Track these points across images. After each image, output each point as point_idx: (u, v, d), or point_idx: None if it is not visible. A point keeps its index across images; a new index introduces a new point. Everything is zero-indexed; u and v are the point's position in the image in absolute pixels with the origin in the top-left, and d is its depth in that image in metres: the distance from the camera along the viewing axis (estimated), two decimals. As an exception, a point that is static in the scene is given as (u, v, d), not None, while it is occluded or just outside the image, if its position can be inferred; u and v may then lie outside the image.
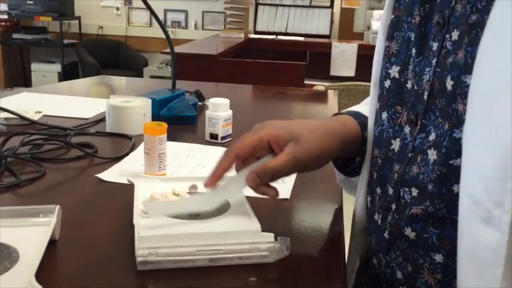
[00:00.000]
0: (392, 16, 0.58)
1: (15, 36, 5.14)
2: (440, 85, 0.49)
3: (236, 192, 0.58)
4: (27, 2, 4.92)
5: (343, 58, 3.83)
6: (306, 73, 2.93)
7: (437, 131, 0.49)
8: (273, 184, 0.56)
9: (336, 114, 0.69)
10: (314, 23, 4.67)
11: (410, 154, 0.53)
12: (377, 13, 4.01)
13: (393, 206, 0.55)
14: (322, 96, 1.70)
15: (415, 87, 0.53)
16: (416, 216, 0.51)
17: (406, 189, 0.53)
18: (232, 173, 0.57)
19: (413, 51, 0.54)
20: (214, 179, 0.56)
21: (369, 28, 4.35)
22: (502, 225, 0.40)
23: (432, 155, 0.49)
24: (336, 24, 5.01)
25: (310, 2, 4.68)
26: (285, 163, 0.53)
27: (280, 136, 0.55)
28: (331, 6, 4.66)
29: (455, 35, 0.48)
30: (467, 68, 0.45)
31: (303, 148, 0.55)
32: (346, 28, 5.07)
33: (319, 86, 3.35)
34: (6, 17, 5.00)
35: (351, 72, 3.77)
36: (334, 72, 3.80)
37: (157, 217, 0.54)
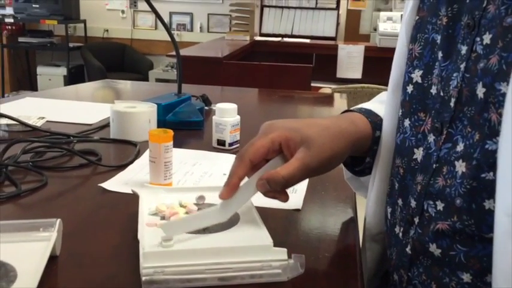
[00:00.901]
0: (417, 17, 0.55)
1: (21, 39, 5.15)
2: (470, 92, 0.45)
3: (248, 199, 0.55)
4: (33, 5, 4.92)
5: (350, 60, 3.80)
6: (312, 75, 2.90)
7: (466, 141, 0.45)
8: None
9: (346, 111, 0.65)
10: (320, 25, 4.64)
11: (434, 165, 0.49)
12: (384, 14, 3.97)
13: (416, 220, 0.51)
14: (329, 100, 1.66)
15: (441, 94, 0.50)
16: (442, 232, 0.47)
17: (431, 202, 0.49)
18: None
19: (440, 54, 0.50)
20: (230, 190, 0.53)
21: (375, 30, 4.32)
22: None
23: (461, 167, 0.46)
24: (342, 26, 4.98)
25: (316, 3, 4.66)
26: (296, 171, 0.52)
27: (292, 138, 0.53)
28: (337, 8, 4.63)
29: (487, 38, 0.44)
30: (501, 74, 0.41)
31: (313, 154, 0.52)
32: (353, 30, 5.04)
33: (326, 88, 3.32)
34: (12, 20, 5.01)
35: (358, 75, 3.74)
36: (340, 74, 3.77)
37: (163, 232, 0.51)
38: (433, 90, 0.52)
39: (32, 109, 1.16)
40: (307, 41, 4.14)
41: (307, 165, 0.52)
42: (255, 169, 0.55)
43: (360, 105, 0.66)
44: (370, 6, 4.93)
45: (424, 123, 0.53)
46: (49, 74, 5.13)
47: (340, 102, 1.55)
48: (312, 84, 3.01)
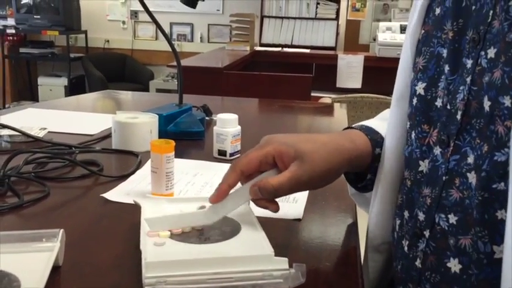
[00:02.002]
0: (422, 31, 0.55)
1: (22, 50, 5.17)
2: (478, 104, 0.45)
3: (238, 206, 0.58)
4: (35, 16, 4.96)
5: (349, 70, 3.81)
6: (312, 85, 2.91)
7: (475, 152, 0.45)
8: (286, 203, 0.55)
9: (347, 127, 0.67)
10: (320, 35, 4.67)
11: (444, 177, 0.49)
12: (383, 25, 4.00)
13: (426, 233, 0.51)
14: (329, 110, 1.67)
15: (448, 106, 0.50)
16: (465, 247, 0.46)
17: (443, 215, 0.49)
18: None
19: (446, 68, 0.51)
20: (220, 195, 0.56)
21: (374, 40, 4.34)
22: None
23: (473, 178, 0.45)
24: (342, 36, 5.01)
25: (316, 14, 4.69)
26: (285, 182, 0.54)
27: (285, 153, 0.55)
28: (337, 18, 4.66)
29: (491, 52, 0.44)
30: (504, 88, 0.42)
31: (305, 168, 0.54)
32: (352, 40, 5.07)
33: (326, 98, 3.33)
34: (13, 31, 5.04)
35: (358, 84, 3.76)
36: (340, 84, 3.79)
37: (165, 243, 0.52)
38: (438, 103, 0.52)
39: (33, 120, 1.16)
40: (307, 51, 4.16)
41: (297, 178, 0.54)
42: (248, 179, 0.57)
43: (362, 123, 0.67)
44: (369, 16, 4.96)
45: (428, 135, 0.53)
46: (50, 84, 5.16)
47: (340, 112, 1.55)
48: (312, 94, 3.02)
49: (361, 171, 0.64)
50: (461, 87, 0.48)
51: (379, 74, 3.36)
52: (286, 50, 4.18)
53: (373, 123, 0.66)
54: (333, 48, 4.54)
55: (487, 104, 0.44)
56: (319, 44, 4.59)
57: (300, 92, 2.82)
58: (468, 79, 0.47)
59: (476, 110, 0.46)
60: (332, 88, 3.73)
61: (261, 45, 4.52)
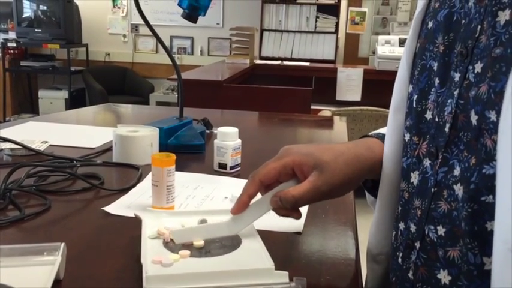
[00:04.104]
0: (418, 44, 0.56)
1: (23, 63, 5.20)
2: (465, 118, 0.46)
3: (260, 216, 0.59)
4: (36, 30, 4.99)
5: (349, 83, 3.83)
6: (312, 98, 2.92)
7: (462, 165, 0.46)
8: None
9: (363, 136, 0.67)
10: (319, 48, 4.71)
11: (433, 189, 0.50)
12: (382, 38, 4.03)
13: (417, 245, 0.51)
14: (329, 123, 1.68)
15: (436, 119, 0.51)
16: (453, 258, 0.47)
17: (432, 227, 0.49)
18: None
19: (437, 81, 0.51)
20: (241, 207, 0.58)
21: (373, 53, 4.38)
22: None
23: (459, 190, 0.46)
24: (341, 50, 5.05)
25: (315, 27, 4.73)
26: (306, 192, 0.55)
27: (305, 163, 0.56)
28: (336, 31, 4.70)
29: (478, 67, 0.45)
30: (490, 103, 0.42)
31: (325, 178, 0.55)
32: (351, 53, 5.10)
33: (326, 110, 3.35)
34: (14, 45, 5.07)
35: (357, 97, 3.77)
36: (340, 97, 3.81)
37: (166, 255, 0.52)
38: (428, 115, 0.53)
39: (35, 133, 1.17)
40: (307, 64, 4.18)
41: (317, 188, 0.55)
42: (267, 190, 0.58)
43: (377, 131, 0.68)
44: (368, 30, 5.00)
45: (417, 147, 0.54)
46: (50, 97, 5.18)
47: (340, 124, 1.56)
48: (312, 107, 3.03)
49: (378, 179, 0.64)
50: (449, 100, 0.49)
51: (379, 86, 3.38)
52: (285, 63, 4.20)
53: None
54: (333, 62, 4.57)
55: (474, 118, 0.45)
56: (318, 57, 4.62)
57: (299, 105, 2.83)
58: (456, 92, 0.48)
59: (463, 123, 0.46)
60: (332, 101, 3.75)
61: (261, 58, 4.55)
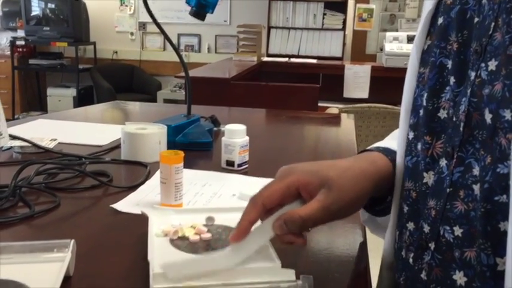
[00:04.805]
0: (429, 41, 0.55)
1: (31, 61, 5.24)
2: (480, 116, 0.46)
3: (262, 244, 0.53)
4: (44, 28, 5.02)
5: (356, 80, 3.82)
6: (320, 95, 2.92)
7: (480, 164, 0.45)
8: None
9: (363, 150, 0.64)
10: (326, 45, 4.70)
11: (448, 189, 0.49)
12: (390, 35, 4.01)
13: (431, 245, 0.51)
14: (336, 120, 1.68)
15: (453, 118, 0.50)
16: (470, 259, 0.46)
17: (447, 227, 0.49)
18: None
19: (452, 79, 0.51)
20: (241, 234, 0.52)
21: (381, 50, 4.36)
22: None
23: (478, 190, 0.45)
24: (349, 46, 5.03)
25: (323, 24, 4.72)
26: (315, 212, 0.51)
27: (311, 182, 0.52)
28: (344, 28, 4.69)
29: (492, 65, 0.45)
30: (505, 101, 0.42)
31: (335, 195, 0.51)
32: (359, 50, 5.09)
33: (333, 108, 3.34)
34: (23, 43, 5.11)
35: (365, 94, 3.76)
36: (347, 94, 3.79)
37: (172, 253, 0.52)
38: (442, 115, 0.52)
39: (44, 131, 1.18)
40: (314, 61, 4.17)
41: (327, 207, 0.51)
42: (268, 214, 0.53)
43: (376, 144, 0.65)
44: (376, 26, 4.98)
45: (430, 146, 0.53)
46: (59, 95, 5.21)
47: (348, 122, 1.56)
48: (319, 104, 3.03)
49: (380, 195, 0.62)
50: (463, 99, 0.48)
51: (387, 84, 3.36)
52: (293, 60, 4.19)
53: (388, 143, 0.64)
54: (340, 59, 4.56)
55: (488, 116, 0.44)
56: (326, 54, 4.61)
57: (307, 102, 2.83)
58: (468, 91, 0.47)
59: (478, 121, 0.46)
60: (339, 98, 3.74)
61: (268, 55, 4.55)
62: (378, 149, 0.62)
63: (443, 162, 0.50)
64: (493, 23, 0.45)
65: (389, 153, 0.61)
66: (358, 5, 4.76)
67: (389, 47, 3.80)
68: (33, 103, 5.52)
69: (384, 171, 0.58)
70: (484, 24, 0.46)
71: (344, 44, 4.72)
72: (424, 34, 0.56)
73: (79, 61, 5.09)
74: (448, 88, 0.51)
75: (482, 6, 0.47)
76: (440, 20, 0.53)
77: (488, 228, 0.44)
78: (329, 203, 0.51)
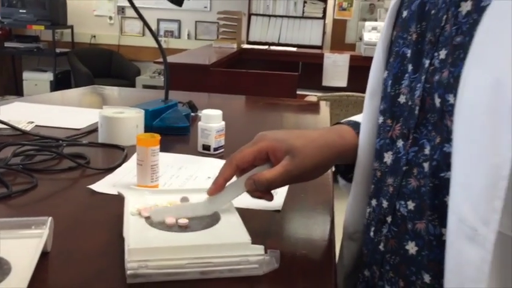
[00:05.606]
0: (395, 32, 0.59)
1: (7, 44, 5.14)
2: (431, 100, 0.50)
3: (235, 197, 0.62)
4: (20, 11, 4.92)
5: (335, 69, 3.86)
6: (299, 83, 2.95)
7: (431, 144, 0.50)
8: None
9: (337, 123, 0.71)
10: (306, 33, 4.71)
11: (404, 167, 0.54)
12: (369, 24, 4.05)
13: (389, 219, 0.55)
14: (314, 107, 1.71)
15: (409, 103, 0.54)
16: (420, 231, 0.51)
17: (402, 202, 0.53)
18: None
19: (410, 67, 0.55)
20: (217, 188, 0.61)
21: (360, 39, 4.40)
22: (487, 243, 0.40)
23: (428, 167, 0.50)
24: (328, 35, 5.06)
25: (303, 12, 4.73)
26: (278, 175, 0.58)
27: (278, 148, 0.60)
28: (324, 17, 4.71)
29: (442, 54, 0.49)
30: (449, 87, 0.46)
31: (297, 162, 0.59)
32: (338, 39, 5.12)
33: (312, 96, 3.38)
34: (-2, 25, 5.00)
35: (343, 83, 3.81)
36: (326, 82, 3.84)
37: (147, 230, 0.55)
38: (402, 99, 0.56)
39: (21, 114, 1.18)
40: (294, 49, 4.20)
41: (289, 172, 0.59)
42: (242, 173, 0.61)
43: (349, 118, 0.71)
44: (356, 16, 5.01)
45: (391, 129, 0.57)
46: (35, 79, 5.13)
47: (325, 110, 1.59)
48: (298, 92, 3.06)
49: (351, 163, 0.68)
50: (418, 85, 0.52)
51: (365, 73, 3.37)
52: (273, 48, 4.21)
53: (360, 118, 0.69)
54: (320, 47, 4.59)
55: (437, 100, 0.49)
56: (306, 43, 4.63)
57: (286, 90, 2.85)
58: (423, 78, 0.52)
59: (430, 105, 0.50)
60: (318, 86, 3.78)
61: (248, 42, 4.55)
62: (349, 123, 0.68)
63: (400, 143, 0.55)
64: (445, 16, 0.49)
65: (357, 127, 0.66)
66: (338, -6, 4.79)
67: (367, 36, 3.84)
68: (8, 87, 5.42)
69: (349, 143, 0.65)
70: (438, 16, 0.50)
71: (324, 33, 4.75)
72: (390, 25, 0.60)
73: (56, 45, 5.01)
74: (406, 75, 0.55)
75: (438, 0, 0.50)
76: (404, 14, 0.57)
77: (435, 201, 0.48)
78: (291, 169, 0.59)
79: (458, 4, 0.47)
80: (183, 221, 0.57)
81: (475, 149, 0.42)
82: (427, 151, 0.51)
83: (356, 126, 0.67)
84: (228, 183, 0.61)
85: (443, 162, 0.47)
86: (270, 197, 0.61)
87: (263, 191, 0.60)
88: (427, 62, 0.51)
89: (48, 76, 5.08)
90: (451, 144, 0.46)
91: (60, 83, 5.00)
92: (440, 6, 0.50)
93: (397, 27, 0.59)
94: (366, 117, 0.63)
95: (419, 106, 0.52)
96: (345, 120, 0.70)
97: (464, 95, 0.43)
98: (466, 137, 0.43)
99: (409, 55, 0.55)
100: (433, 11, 0.52)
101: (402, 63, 0.56)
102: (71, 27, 5.23)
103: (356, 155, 0.65)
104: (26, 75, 5.19)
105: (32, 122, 1.06)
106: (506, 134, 0.39)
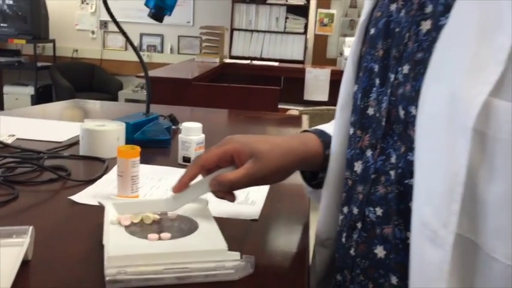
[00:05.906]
0: (363, 48, 0.63)
1: (-13, 58, 5.09)
2: (396, 112, 0.53)
3: (198, 196, 0.65)
4: (1, 24, 4.90)
5: (317, 83, 3.92)
6: (280, 97, 2.99)
7: (396, 153, 0.53)
8: (244, 205, 0.66)
9: (304, 131, 0.74)
10: (288, 48, 4.78)
11: (373, 175, 0.57)
12: (349, 40, 4.14)
13: (359, 225, 0.58)
14: (295, 121, 1.74)
15: (377, 115, 0.57)
16: (387, 235, 0.54)
17: (371, 208, 0.56)
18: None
19: (377, 81, 0.58)
20: (181, 186, 0.64)
21: (341, 54, 4.48)
22: (446, 245, 0.43)
23: (393, 175, 0.53)
24: (310, 50, 5.13)
25: (285, 28, 4.80)
26: (241, 177, 0.62)
27: (242, 151, 0.63)
28: (305, 32, 4.79)
29: (405, 69, 0.52)
30: (412, 100, 0.50)
31: (259, 166, 0.62)
32: (320, 54, 5.19)
33: (293, 110, 3.42)
34: (-21, 39, 4.96)
35: (324, 97, 3.87)
36: (307, 96, 3.89)
37: (126, 239, 0.56)
38: (370, 112, 0.59)
39: (2, 127, 1.18)
40: (276, 64, 4.25)
41: (252, 175, 0.62)
42: (207, 173, 0.65)
43: (317, 127, 0.74)
44: (337, 31, 5.10)
45: (360, 139, 0.61)
46: (16, 93, 5.08)
47: (307, 123, 1.62)
48: (280, 106, 3.09)
49: (315, 170, 0.72)
50: (384, 98, 0.56)
51: (345, 87, 3.46)
52: (255, 62, 4.26)
53: (327, 127, 0.74)
54: (301, 62, 4.66)
55: (401, 112, 0.52)
56: (287, 58, 4.69)
57: (267, 104, 2.89)
58: (388, 91, 0.55)
59: (395, 117, 0.54)
60: (300, 101, 3.82)
61: (231, 57, 4.60)
62: (315, 131, 0.72)
63: (369, 153, 0.58)
64: (407, 34, 0.53)
65: (322, 136, 0.70)
66: (319, 10, 4.88)
67: (348, 51, 3.91)
68: (-12, 101, 5.35)
69: (312, 150, 0.68)
70: (402, 34, 0.54)
71: (305, 48, 4.82)
72: (359, 42, 0.63)
73: (38, 59, 4.98)
74: (374, 89, 0.59)
75: (401, 19, 0.54)
76: (372, 31, 0.60)
77: (401, 207, 0.52)
78: (254, 172, 0.62)
79: (419, 23, 0.50)
80: (166, 235, 0.58)
81: (435, 157, 0.45)
82: (393, 160, 0.54)
83: (322, 134, 0.70)
84: (192, 182, 0.64)
85: (407, 170, 0.50)
86: (231, 198, 0.64)
87: (226, 191, 0.63)
88: (392, 77, 0.55)
89: (29, 90, 5.04)
90: (413, 153, 0.49)
91: (41, 98, 4.97)
92: (403, 25, 0.54)
93: (366, 43, 0.62)
94: (338, 129, 0.66)
95: (385, 118, 0.55)
96: (312, 128, 0.74)
97: (425, 107, 0.47)
98: (426, 146, 0.46)
99: (376, 70, 0.59)
100: (397, 29, 0.55)
101: (370, 77, 0.60)
102: (53, 41, 5.22)
103: (319, 161, 0.68)
104: (7, 89, 5.14)
105: (13, 135, 1.07)
106: (462, 143, 0.42)
